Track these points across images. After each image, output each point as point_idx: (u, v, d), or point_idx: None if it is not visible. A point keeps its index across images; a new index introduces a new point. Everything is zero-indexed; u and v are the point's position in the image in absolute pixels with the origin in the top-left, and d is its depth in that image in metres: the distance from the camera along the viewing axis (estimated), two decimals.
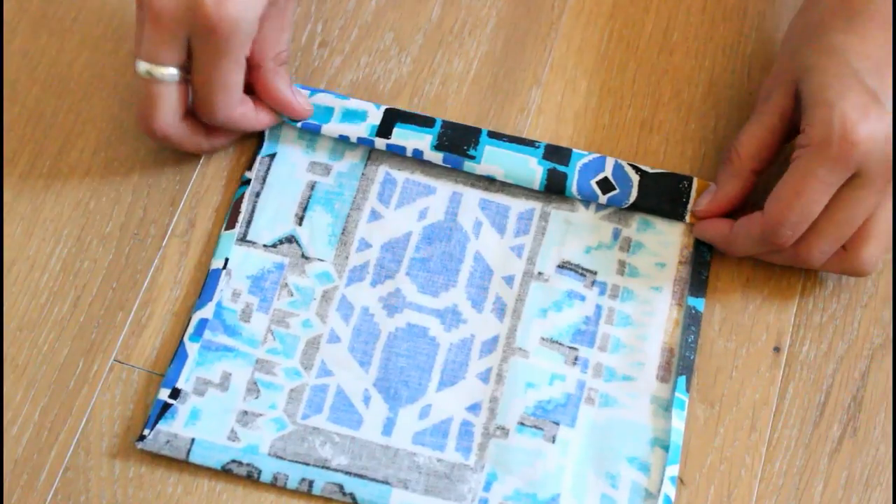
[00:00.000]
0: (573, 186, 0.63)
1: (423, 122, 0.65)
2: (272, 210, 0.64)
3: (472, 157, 0.64)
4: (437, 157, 0.64)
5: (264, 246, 0.63)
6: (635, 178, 0.64)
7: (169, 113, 0.60)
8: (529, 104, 0.67)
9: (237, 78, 0.60)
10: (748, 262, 0.64)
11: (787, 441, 0.60)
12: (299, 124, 0.65)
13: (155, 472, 0.59)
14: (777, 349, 0.62)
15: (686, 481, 0.59)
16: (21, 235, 0.63)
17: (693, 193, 0.63)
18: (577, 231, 0.64)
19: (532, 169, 0.64)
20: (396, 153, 0.65)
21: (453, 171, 0.65)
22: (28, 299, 0.62)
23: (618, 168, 0.64)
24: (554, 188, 0.64)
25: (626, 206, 0.63)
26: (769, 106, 0.61)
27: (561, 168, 0.64)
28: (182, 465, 0.59)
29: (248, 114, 0.63)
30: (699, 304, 0.62)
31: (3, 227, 0.63)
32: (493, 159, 0.64)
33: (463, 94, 0.67)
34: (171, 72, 0.59)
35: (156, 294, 0.62)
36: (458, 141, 0.64)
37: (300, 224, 0.63)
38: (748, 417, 0.61)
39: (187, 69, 0.60)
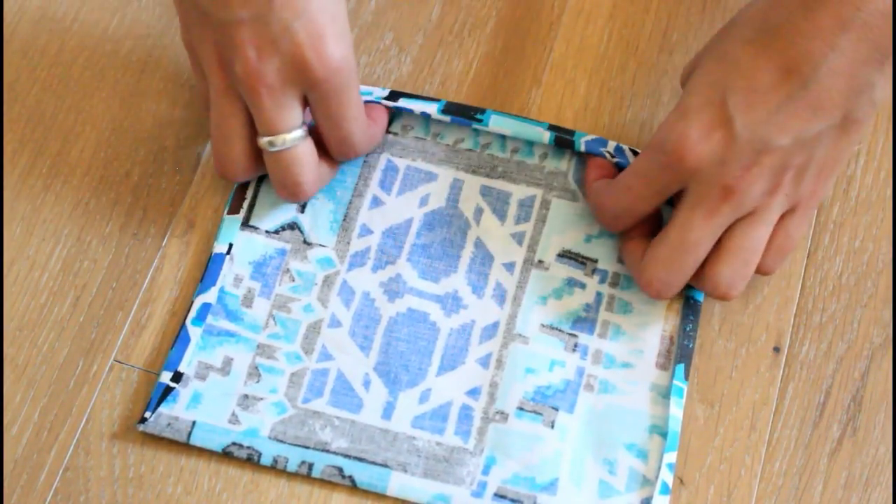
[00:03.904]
0: (581, 147, 0.64)
1: (428, 99, 0.66)
2: (274, 197, 0.64)
3: (479, 121, 0.64)
4: (444, 119, 0.65)
5: (266, 232, 0.63)
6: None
7: (313, 169, 0.60)
8: (529, 104, 0.67)
9: (361, 104, 0.61)
10: None
11: (787, 441, 0.60)
12: None
13: (155, 472, 0.59)
14: (777, 349, 0.62)
15: (686, 481, 0.59)
16: (21, 235, 0.63)
17: None
18: (578, 220, 0.64)
19: (539, 132, 0.64)
20: (402, 124, 0.65)
21: (455, 158, 0.65)
22: (28, 299, 0.62)
23: (619, 149, 0.64)
24: (562, 144, 0.64)
25: None
26: None
27: (567, 137, 0.64)
28: (182, 464, 0.59)
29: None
30: (699, 294, 0.62)
31: (3, 227, 0.63)
32: (499, 123, 0.64)
33: (463, 94, 0.67)
34: (299, 133, 0.59)
35: (156, 294, 0.62)
36: (465, 109, 0.65)
37: (302, 211, 0.64)
38: (748, 417, 0.61)
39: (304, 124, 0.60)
